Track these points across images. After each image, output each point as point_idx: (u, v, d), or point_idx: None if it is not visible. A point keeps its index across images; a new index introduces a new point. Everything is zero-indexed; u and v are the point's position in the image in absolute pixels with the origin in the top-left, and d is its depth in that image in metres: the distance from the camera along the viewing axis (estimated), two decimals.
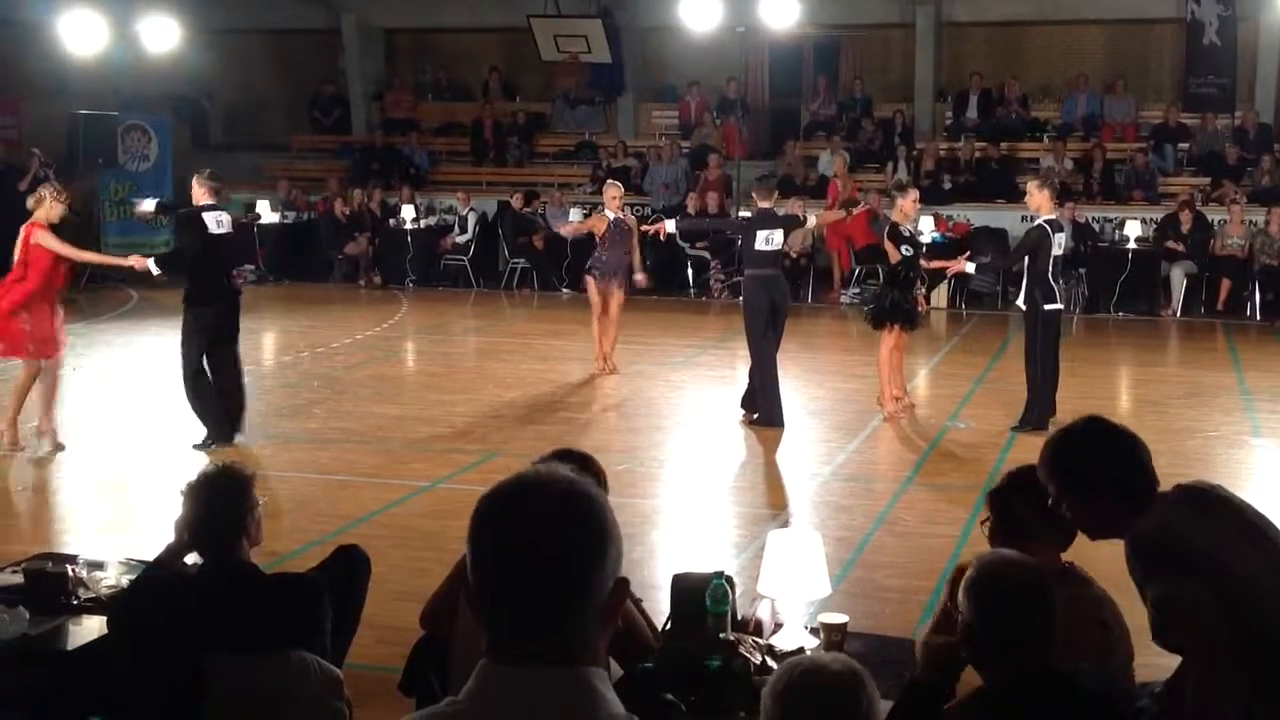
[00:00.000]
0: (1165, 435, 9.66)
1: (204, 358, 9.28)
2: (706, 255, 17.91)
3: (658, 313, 16.08)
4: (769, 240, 10.14)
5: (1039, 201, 10.05)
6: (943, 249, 15.00)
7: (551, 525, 1.75)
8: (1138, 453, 3.42)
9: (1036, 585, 3.00)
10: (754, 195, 10.81)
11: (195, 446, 9.19)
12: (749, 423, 10.19)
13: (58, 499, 8.31)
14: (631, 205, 14.47)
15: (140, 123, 19.92)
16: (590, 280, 12.19)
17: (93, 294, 16.71)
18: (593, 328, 12.24)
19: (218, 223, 9.34)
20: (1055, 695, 2.89)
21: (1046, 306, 9.87)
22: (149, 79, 20.02)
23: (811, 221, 11.73)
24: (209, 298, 9.31)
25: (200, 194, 9.34)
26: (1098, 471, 3.38)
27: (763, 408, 10.15)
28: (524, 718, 1.74)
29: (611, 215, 12.09)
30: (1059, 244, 10.02)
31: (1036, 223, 10.09)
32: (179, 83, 21.37)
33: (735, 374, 11.37)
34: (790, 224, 10.87)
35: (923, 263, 10.69)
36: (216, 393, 9.34)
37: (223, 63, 21.93)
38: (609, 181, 12.90)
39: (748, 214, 11.93)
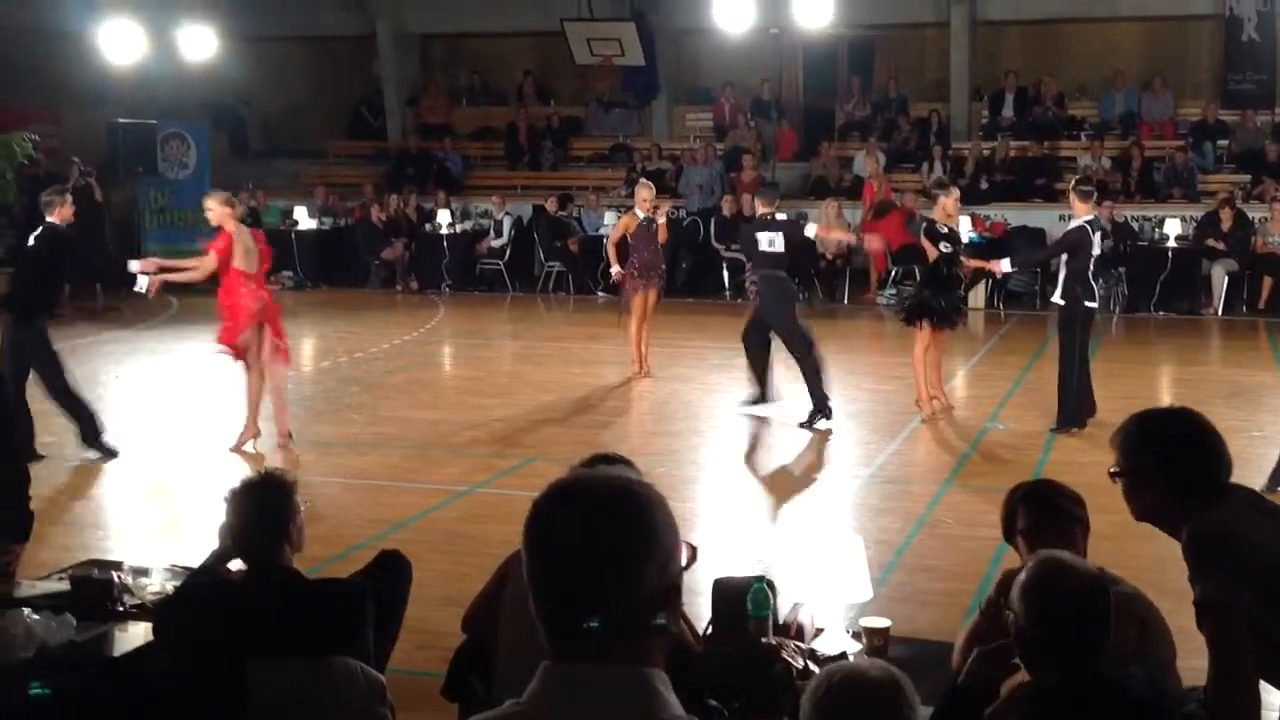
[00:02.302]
0: None
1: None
2: (741, 258, 17.84)
3: (693, 315, 16.08)
4: (771, 243, 10.32)
5: (1082, 209, 10.05)
6: (980, 249, 14.92)
7: (595, 522, 1.78)
8: (1215, 453, 3.29)
9: (1094, 588, 2.95)
10: (756, 201, 10.96)
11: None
12: (808, 425, 10.11)
13: (103, 505, 8.38)
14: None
15: (179, 131, 20.11)
16: (627, 283, 12.17)
17: (134, 302, 16.81)
18: (629, 330, 12.22)
19: None
20: (1105, 700, 2.86)
21: (1086, 304, 9.85)
22: (187, 87, 20.18)
23: (811, 231, 11.57)
24: (49, 309, 9.33)
25: (68, 213, 9.04)
26: (1165, 463, 3.29)
27: (814, 396, 10.09)
28: (586, 717, 1.76)
29: (641, 215, 12.06)
30: (1098, 243, 10.01)
31: (1077, 223, 10.04)
32: (217, 90, 21.55)
33: None
34: (791, 230, 10.74)
35: (963, 259, 10.67)
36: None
37: (259, 70, 22.08)
38: (641, 181, 12.84)
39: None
